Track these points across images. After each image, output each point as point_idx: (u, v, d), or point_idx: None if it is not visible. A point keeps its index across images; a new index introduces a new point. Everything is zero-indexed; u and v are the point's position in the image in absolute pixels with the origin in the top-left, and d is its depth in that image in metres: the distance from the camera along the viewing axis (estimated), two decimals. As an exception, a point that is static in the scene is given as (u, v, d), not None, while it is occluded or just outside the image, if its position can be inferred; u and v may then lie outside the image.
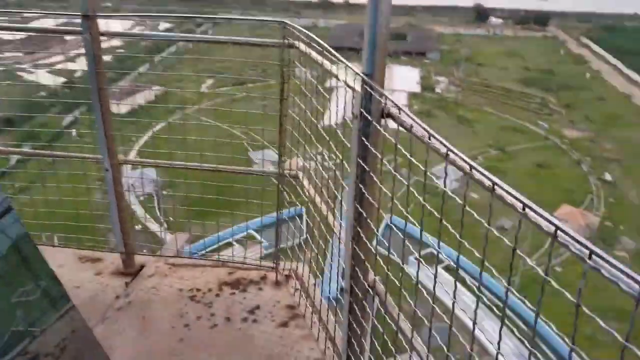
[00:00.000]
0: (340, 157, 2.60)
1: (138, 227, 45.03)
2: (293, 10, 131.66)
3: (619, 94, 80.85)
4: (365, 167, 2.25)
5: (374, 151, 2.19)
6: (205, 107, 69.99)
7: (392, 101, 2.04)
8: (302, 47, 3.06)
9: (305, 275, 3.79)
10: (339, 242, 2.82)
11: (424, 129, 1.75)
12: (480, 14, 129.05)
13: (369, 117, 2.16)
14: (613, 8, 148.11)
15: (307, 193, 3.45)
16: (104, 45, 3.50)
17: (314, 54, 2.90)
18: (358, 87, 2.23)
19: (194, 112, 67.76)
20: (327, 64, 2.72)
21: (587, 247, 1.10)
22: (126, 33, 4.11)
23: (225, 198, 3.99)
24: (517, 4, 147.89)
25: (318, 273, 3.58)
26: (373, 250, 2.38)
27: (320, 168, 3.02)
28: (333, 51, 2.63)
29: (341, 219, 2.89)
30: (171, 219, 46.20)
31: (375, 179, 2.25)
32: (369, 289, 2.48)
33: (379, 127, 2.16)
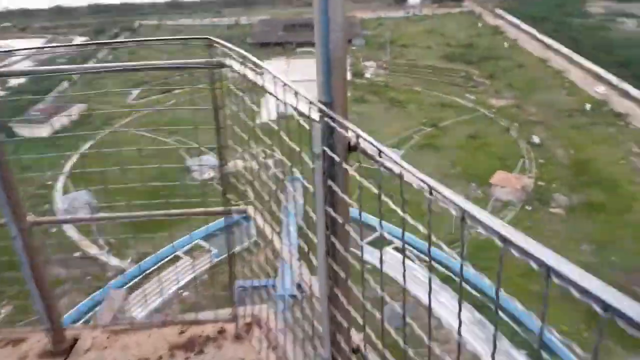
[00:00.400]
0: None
1: (77, 254, 42.87)
2: (214, 10, 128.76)
3: (536, 60, 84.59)
4: (335, 217, 1.79)
5: (346, 198, 1.73)
6: (132, 120, 67.45)
7: (363, 136, 1.58)
8: (235, 65, 2.54)
9: (271, 320, 3.30)
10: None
11: (412, 173, 1.31)
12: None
13: (335, 156, 1.70)
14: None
15: (259, 228, 2.99)
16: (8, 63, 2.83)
17: (249, 74, 2.40)
18: (315, 117, 1.76)
19: (122, 126, 65.04)
20: (267, 86, 2.22)
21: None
22: (19, 72, 3.40)
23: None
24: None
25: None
26: (352, 311, 1.93)
27: (277, 208, 2.54)
28: (275, 73, 2.13)
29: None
30: (112, 241, 44.14)
31: (348, 229, 1.80)
32: (353, 354, 2.05)
33: (348, 167, 1.71)
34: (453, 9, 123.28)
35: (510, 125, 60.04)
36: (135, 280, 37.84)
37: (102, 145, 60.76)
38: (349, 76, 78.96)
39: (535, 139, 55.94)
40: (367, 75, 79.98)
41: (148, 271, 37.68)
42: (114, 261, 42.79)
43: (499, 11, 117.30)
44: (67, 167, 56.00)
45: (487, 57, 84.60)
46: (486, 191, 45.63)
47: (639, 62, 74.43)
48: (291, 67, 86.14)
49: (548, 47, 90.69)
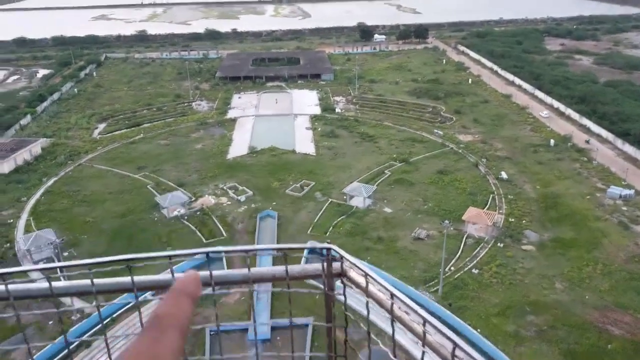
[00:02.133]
0: None
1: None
2: (181, 44, 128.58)
3: (500, 95, 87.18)
4: None
5: None
6: (99, 155, 65.80)
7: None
8: (355, 277, 2.16)
9: None
10: None
11: None
12: (364, 32, 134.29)
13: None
14: (479, 16, 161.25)
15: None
16: None
17: (376, 293, 2.02)
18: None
19: (88, 161, 63.35)
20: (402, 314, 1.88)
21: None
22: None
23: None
24: (395, 20, 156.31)
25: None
26: None
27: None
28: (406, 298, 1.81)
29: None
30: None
31: None
32: None
33: None
34: (418, 45, 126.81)
35: (479, 160, 61.21)
36: (99, 326, 36.13)
37: (69, 181, 58.96)
38: (319, 111, 79.74)
39: (504, 175, 57.08)
40: (337, 109, 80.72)
41: (114, 315, 36.16)
42: (77, 304, 40.92)
43: (462, 47, 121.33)
44: (30, 204, 53.86)
45: (453, 93, 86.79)
46: (459, 228, 46.03)
47: (595, 97, 77.72)
48: (262, 101, 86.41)
49: (510, 82, 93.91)
